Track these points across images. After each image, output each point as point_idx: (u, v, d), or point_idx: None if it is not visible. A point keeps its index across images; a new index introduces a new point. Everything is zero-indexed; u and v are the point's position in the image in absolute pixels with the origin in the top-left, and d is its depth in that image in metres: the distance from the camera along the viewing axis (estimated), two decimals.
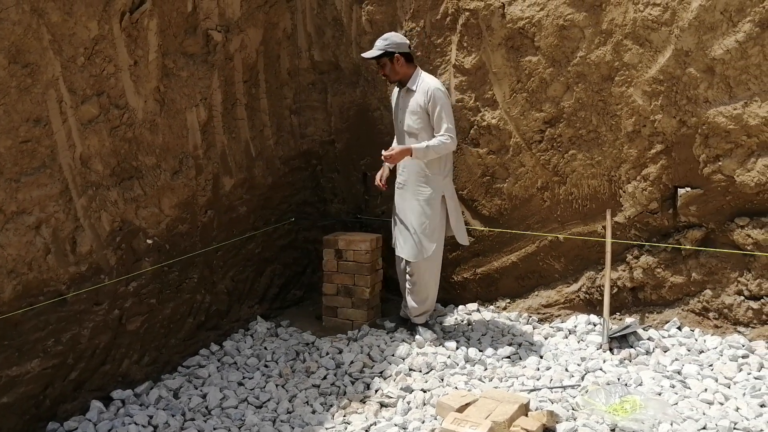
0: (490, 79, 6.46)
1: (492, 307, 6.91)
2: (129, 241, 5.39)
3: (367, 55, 6.13)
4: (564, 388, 5.25)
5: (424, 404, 5.12)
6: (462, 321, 6.66)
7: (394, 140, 6.51)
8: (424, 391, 5.28)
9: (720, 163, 5.74)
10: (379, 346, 6.10)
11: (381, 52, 6.01)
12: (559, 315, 6.60)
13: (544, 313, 6.66)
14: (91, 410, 4.99)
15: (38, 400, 4.76)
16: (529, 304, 6.74)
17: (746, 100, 5.53)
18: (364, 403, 5.20)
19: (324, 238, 6.91)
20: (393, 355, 5.92)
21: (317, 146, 7.47)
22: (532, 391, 5.22)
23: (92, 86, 5.02)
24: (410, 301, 6.36)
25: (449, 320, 6.73)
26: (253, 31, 6.57)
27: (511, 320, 6.59)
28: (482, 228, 6.81)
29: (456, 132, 6.03)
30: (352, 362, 5.79)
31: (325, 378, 5.61)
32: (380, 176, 6.49)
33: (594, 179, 6.27)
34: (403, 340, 6.21)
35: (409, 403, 5.13)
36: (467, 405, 4.70)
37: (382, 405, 5.16)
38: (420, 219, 6.17)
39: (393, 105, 6.42)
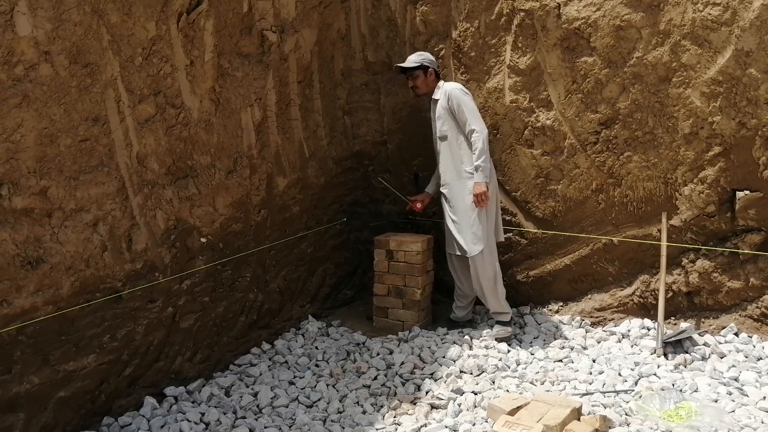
0: (544, 80, 6.41)
1: (544, 309, 6.86)
2: (183, 239, 5.44)
3: (404, 65, 6.47)
4: (617, 392, 5.18)
5: (475, 406, 5.09)
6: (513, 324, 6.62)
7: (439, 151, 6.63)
8: (475, 394, 5.26)
9: None
10: (429, 348, 6.10)
11: (417, 64, 6.42)
12: (613, 319, 6.52)
13: (597, 317, 6.58)
14: (144, 406, 5.06)
15: (94, 395, 4.83)
16: (582, 308, 6.67)
17: None
18: (415, 404, 5.19)
19: (375, 239, 6.93)
20: (444, 357, 5.91)
21: (369, 147, 7.49)
22: (584, 395, 5.17)
23: (149, 86, 5.09)
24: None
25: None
26: (308, 31, 6.60)
27: (564, 323, 6.53)
28: (535, 230, 6.76)
29: (482, 121, 6.28)
30: (402, 363, 5.79)
31: (375, 378, 5.62)
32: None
33: (649, 181, 6.18)
34: (455, 342, 6.19)
35: (459, 405, 5.11)
36: (519, 408, 4.67)
37: (433, 407, 5.15)
38: (464, 215, 6.32)
39: (430, 119, 6.63)
